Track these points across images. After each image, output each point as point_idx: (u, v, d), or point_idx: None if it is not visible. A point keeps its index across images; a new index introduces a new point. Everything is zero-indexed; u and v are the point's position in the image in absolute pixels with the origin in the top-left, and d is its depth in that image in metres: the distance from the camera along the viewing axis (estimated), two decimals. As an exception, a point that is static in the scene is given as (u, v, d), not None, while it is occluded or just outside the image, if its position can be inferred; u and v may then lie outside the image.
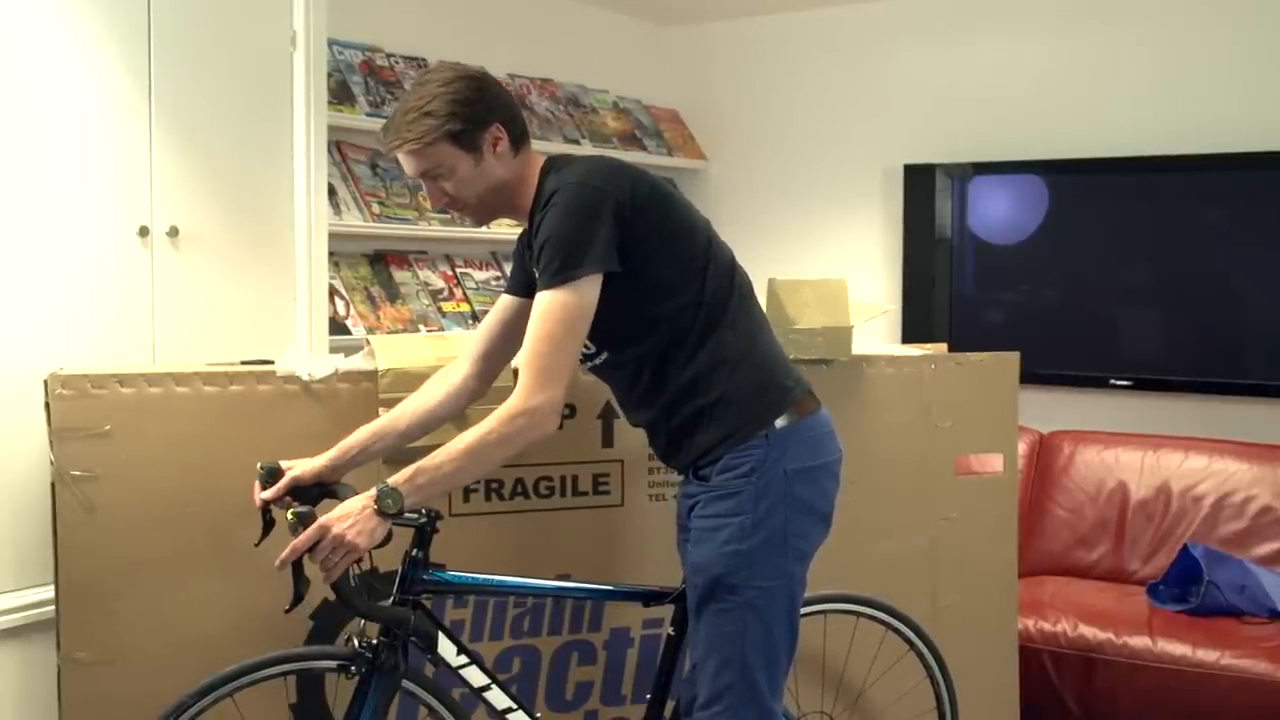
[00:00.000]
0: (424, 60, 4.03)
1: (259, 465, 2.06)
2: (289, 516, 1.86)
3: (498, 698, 2.12)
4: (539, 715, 2.22)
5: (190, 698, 1.94)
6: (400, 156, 2.04)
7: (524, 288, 2.16)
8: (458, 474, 1.90)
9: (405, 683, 2.06)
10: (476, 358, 2.20)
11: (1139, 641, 3.24)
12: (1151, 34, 4.13)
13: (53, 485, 2.20)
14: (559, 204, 1.95)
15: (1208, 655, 3.15)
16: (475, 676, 2.10)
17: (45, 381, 2.19)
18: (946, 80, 4.52)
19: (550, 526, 2.46)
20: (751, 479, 2.01)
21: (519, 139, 2.07)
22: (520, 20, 4.45)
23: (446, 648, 2.07)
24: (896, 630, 2.53)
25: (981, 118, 4.44)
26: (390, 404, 2.30)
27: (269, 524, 2.05)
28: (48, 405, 2.19)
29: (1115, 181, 4.15)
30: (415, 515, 1.97)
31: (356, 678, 2.02)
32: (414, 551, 2.02)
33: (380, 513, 1.84)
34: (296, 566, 1.88)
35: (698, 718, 2.06)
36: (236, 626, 2.26)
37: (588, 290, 1.93)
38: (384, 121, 2.07)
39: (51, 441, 2.19)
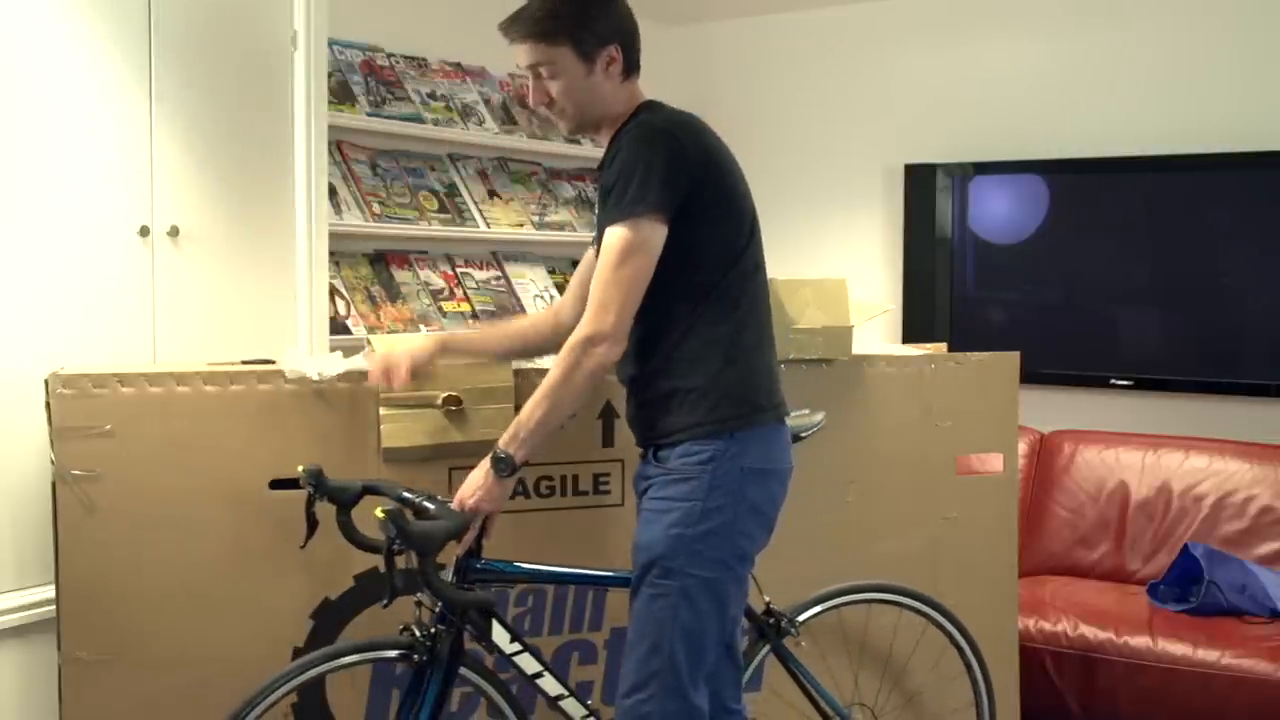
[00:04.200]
0: (424, 60, 4.03)
1: (301, 468, 2.08)
2: (378, 514, 1.92)
3: (550, 685, 2.16)
4: (590, 702, 2.24)
5: (269, 686, 1.97)
6: (517, 46, 2.11)
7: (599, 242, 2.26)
8: (546, 417, 2.01)
9: (463, 670, 2.10)
10: (575, 300, 2.28)
11: (1139, 641, 3.24)
12: (1151, 34, 4.13)
13: (53, 485, 2.20)
14: (639, 141, 2.01)
15: (1208, 655, 3.15)
16: (528, 663, 2.15)
17: (46, 381, 2.19)
18: (946, 80, 4.52)
19: (551, 526, 2.46)
20: (708, 468, 2.04)
21: (631, 67, 2.15)
22: (520, 20, 4.44)
23: (500, 635, 2.12)
24: (939, 624, 2.57)
25: (982, 118, 4.44)
26: (391, 403, 2.30)
27: (313, 526, 2.09)
28: (48, 405, 2.19)
29: (1115, 181, 4.15)
30: None
31: (408, 668, 2.07)
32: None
33: (499, 475, 1.99)
34: (390, 561, 1.92)
35: (621, 705, 2.07)
36: (237, 626, 2.26)
37: (647, 229, 1.98)
38: (515, 9, 2.13)
39: (52, 441, 2.19)
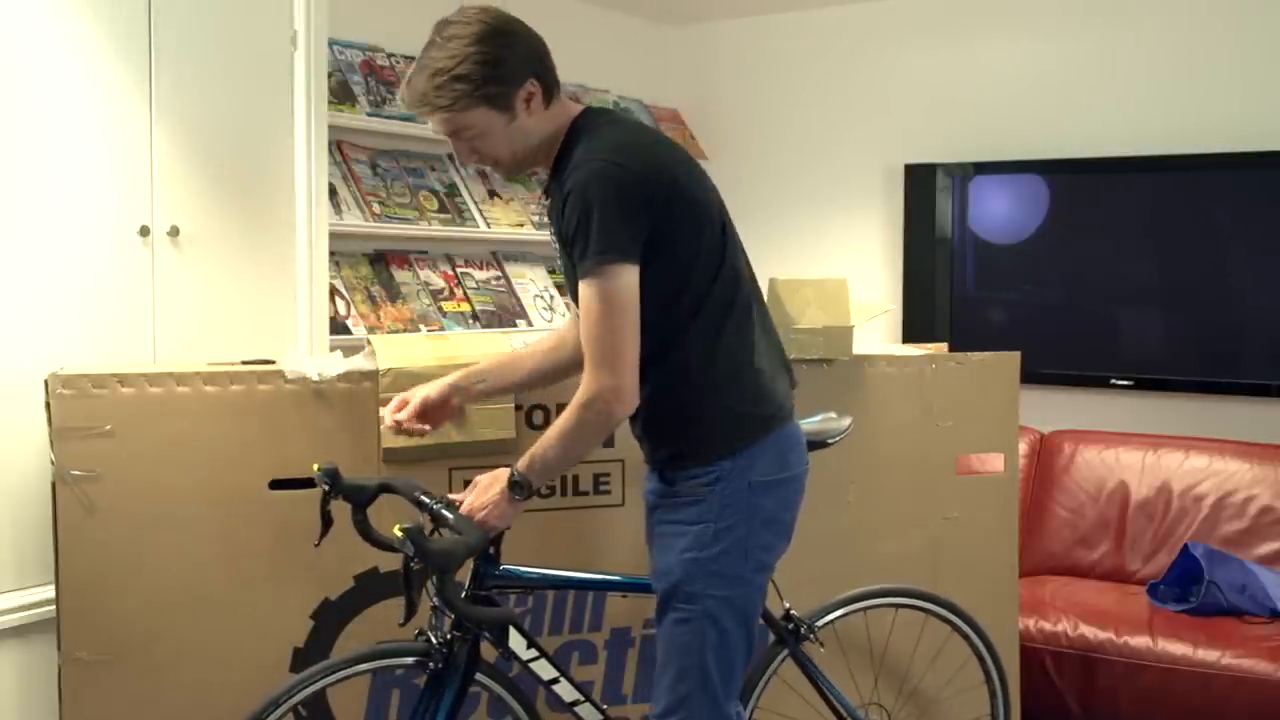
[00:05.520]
0: (424, 60, 4.03)
1: (316, 466, 2.05)
2: (396, 532, 1.86)
3: (566, 690, 2.16)
4: (605, 707, 2.23)
5: (283, 694, 1.95)
6: (429, 117, 2.00)
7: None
8: (560, 459, 1.98)
9: (480, 677, 2.09)
10: (576, 322, 2.22)
11: (1139, 641, 3.23)
12: (1151, 34, 4.13)
13: (53, 485, 2.20)
14: (586, 183, 1.90)
15: (1208, 655, 3.15)
16: (544, 669, 2.14)
17: (46, 381, 2.19)
18: (946, 80, 4.52)
19: (551, 526, 2.46)
20: (715, 488, 2.00)
21: (551, 89, 2.03)
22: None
23: (516, 641, 2.10)
24: (962, 632, 2.58)
25: (982, 118, 4.44)
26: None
27: (328, 524, 2.06)
28: (48, 405, 2.19)
29: (1115, 181, 4.15)
30: None
31: (426, 675, 2.05)
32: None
33: (514, 497, 1.95)
34: (407, 576, 1.89)
35: None
36: (237, 626, 2.26)
37: (619, 277, 1.90)
38: (408, 75, 2.02)
39: (52, 441, 2.19)
